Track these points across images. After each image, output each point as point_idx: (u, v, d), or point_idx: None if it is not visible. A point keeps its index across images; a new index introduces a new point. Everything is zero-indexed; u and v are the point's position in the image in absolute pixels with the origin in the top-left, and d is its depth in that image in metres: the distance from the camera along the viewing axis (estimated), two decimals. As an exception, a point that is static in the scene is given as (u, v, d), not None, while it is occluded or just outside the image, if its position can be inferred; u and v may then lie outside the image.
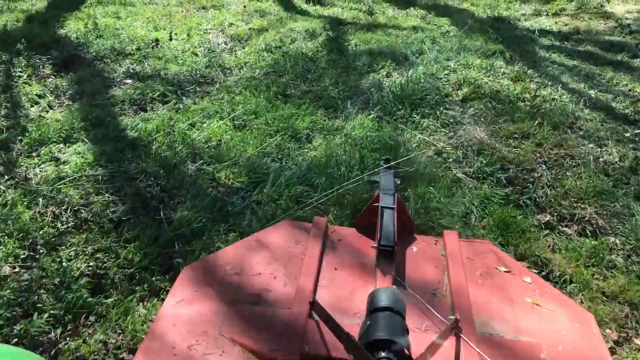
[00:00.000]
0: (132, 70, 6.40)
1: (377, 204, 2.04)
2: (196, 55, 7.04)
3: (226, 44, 7.49)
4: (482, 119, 5.40)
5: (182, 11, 9.06)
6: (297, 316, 1.59)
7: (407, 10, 9.42)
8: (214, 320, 1.63)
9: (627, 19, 8.77)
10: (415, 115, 5.38)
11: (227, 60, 6.85)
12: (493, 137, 5.08)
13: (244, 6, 9.35)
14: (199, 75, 6.34)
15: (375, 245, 1.89)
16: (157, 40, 7.40)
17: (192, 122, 5.14)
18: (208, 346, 1.55)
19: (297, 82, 6.21)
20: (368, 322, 1.50)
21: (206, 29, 8.07)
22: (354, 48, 7.28)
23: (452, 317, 1.63)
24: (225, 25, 8.27)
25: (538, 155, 4.81)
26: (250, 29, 8.13)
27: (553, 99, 5.87)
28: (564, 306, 1.76)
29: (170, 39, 7.52)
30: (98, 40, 7.22)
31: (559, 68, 6.76)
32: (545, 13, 9.31)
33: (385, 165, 2.63)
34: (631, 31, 8.14)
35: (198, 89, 6.07)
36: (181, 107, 5.59)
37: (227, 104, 5.52)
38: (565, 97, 5.96)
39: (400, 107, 5.48)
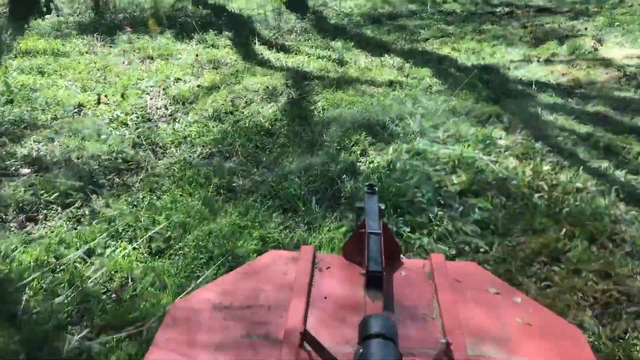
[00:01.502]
0: (35, 154, 4.68)
1: (363, 230, 1.79)
2: (126, 125, 5.35)
3: (166, 109, 5.80)
4: (491, 230, 3.78)
5: (123, 62, 7.35)
6: (289, 348, 1.45)
7: (382, 58, 7.84)
8: (204, 357, 1.48)
9: (629, 66, 7.30)
10: (403, 227, 3.74)
11: (163, 133, 5.16)
12: (509, 262, 3.46)
13: (196, 55, 7.68)
14: (121, 159, 4.65)
15: (364, 272, 1.69)
16: (80, 105, 5.69)
17: (91, 247, 3.43)
18: None
19: (247, 167, 4.55)
20: (361, 350, 1.36)
21: (146, 87, 6.39)
22: (321, 114, 5.64)
23: (443, 340, 1.47)
24: (171, 81, 6.59)
25: (580, 295, 3.20)
26: (199, 86, 6.46)
27: (577, 190, 4.28)
28: (554, 324, 1.66)
29: (98, 103, 5.82)
30: (5, 107, 5.48)
31: (571, 138, 5.20)
32: (536, 59, 7.80)
33: (369, 191, 2.09)
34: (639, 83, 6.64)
35: (117, 180, 4.38)
36: (86, 213, 3.88)
37: (146, 211, 3.82)
38: (590, 183, 4.39)
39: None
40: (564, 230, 3.79)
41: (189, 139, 5.08)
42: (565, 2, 11.70)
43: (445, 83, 6.74)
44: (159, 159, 4.73)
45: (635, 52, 7.92)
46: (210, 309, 1.64)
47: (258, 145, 4.92)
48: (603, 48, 8.16)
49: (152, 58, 7.56)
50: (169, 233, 3.60)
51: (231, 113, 5.64)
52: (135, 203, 3.97)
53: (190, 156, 4.74)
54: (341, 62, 7.63)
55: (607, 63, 7.47)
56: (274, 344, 1.51)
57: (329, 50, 8.31)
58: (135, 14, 9.66)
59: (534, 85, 6.58)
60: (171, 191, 4.10)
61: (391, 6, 11.18)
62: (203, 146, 4.91)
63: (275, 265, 1.85)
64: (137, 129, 5.29)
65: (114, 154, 4.66)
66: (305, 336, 1.47)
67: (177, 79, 6.70)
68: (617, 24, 9.31)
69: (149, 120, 5.51)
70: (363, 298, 1.69)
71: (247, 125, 5.27)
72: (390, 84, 6.61)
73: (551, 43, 8.42)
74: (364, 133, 5.10)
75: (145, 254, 3.41)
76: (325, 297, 1.70)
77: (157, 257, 3.41)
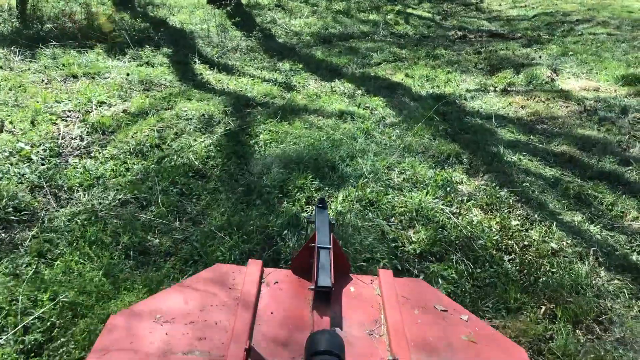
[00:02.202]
0: None
1: (312, 244, 1.75)
2: (29, 161, 4.40)
3: (82, 139, 4.87)
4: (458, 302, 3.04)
5: (42, 81, 6.35)
6: None
7: (332, 83, 7.10)
8: None
9: (587, 99, 6.79)
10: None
11: (72, 172, 4.24)
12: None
13: (127, 75, 6.75)
14: (12, 207, 3.71)
15: (312, 287, 1.64)
16: (-24, 134, 4.70)
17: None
18: None
19: (168, 220, 3.69)
20: None
21: (63, 112, 5.43)
22: (262, 150, 4.83)
23: (390, 357, 1.49)
24: (93, 105, 5.65)
25: (573, 408, 2.49)
26: (124, 111, 5.55)
27: (552, 252, 3.62)
28: (498, 342, 1.63)
29: (1, 131, 4.83)
30: None
31: (538, 183, 4.57)
32: (492, 89, 7.23)
33: (320, 205, 1.93)
34: (601, 119, 6.12)
35: (2, 235, 3.44)
36: (-50, 287, 2.94)
37: (28, 286, 2.91)
38: (565, 243, 3.74)
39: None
40: (543, 308, 3.10)
41: (102, 179, 4.17)
42: (517, 28, 11.31)
43: (399, 114, 6.05)
44: (62, 207, 3.81)
45: (591, 84, 7.45)
46: (150, 323, 1.52)
47: (184, 190, 4.06)
48: (559, 78, 7.67)
49: (76, 76, 6.58)
50: (53, 319, 2.71)
51: (157, 147, 4.76)
52: (16, 272, 3.05)
53: (100, 203, 3.84)
54: (288, 87, 6.85)
55: (565, 95, 6.95)
56: None
57: (275, 72, 7.51)
58: (66, 25, 8.62)
59: (493, 120, 5.95)
60: (66, 256, 3.19)
61: (342, 26, 10.50)
62: (117, 190, 4.02)
63: (220, 279, 1.74)
64: (42, 165, 4.36)
65: (4, 201, 3.71)
66: (250, 353, 1.42)
67: (101, 103, 5.76)
68: (570, 53, 8.89)
69: (59, 154, 4.57)
70: (311, 314, 1.62)
71: (173, 163, 4.40)
72: (341, 114, 5.86)
73: (507, 72, 7.88)
74: (310, 176, 4.32)
75: (14, 355, 2.51)
76: (272, 313, 1.62)
77: (30, 359, 2.51)
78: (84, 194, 3.97)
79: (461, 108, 6.51)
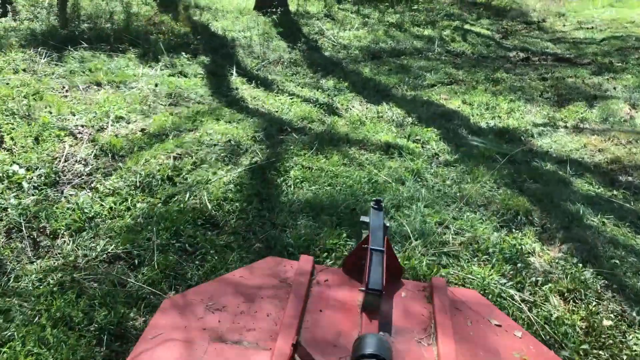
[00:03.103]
0: None
1: (365, 245, 1.68)
2: (18, 189, 3.66)
3: (85, 165, 4.11)
4: None
5: (62, 88, 5.66)
6: (279, 357, 1.37)
7: (379, 107, 6.18)
8: (193, 357, 1.39)
9: (675, 144, 5.67)
10: None
11: (63, 209, 3.47)
12: None
13: (156, 85, 5.99)
14: (-23, 256, 2.94)
15: (363, 289, 1.58)
16: (-32, 151, 3.99)
17: None
18: None
19: (159, 290, 2.86)
20: None
21: (74, 127, 4.70)
22: (290, 193, 3.96)
23: None
24: (109, 120, 4.91)
25: None
26: (142, 131, 4.78)
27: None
28: None
29: (-2, 148, 4.13)
30: None
31: (630, 260, 3.56)
32: (562, 124, 6.18)
33: (375, 206, 1.90)
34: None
35: (-46, 298, 2.67)
36: None
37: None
38: (676, 361, 2.72)
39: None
40: None
41: (95, 221, 3.38)
42: (585, 52, 10.13)
43: (455, 151, 5.09)
44: (39, 257, 3.03)
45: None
46: (203, 309, 1.52)
47: (188, 246, 3.22)
48: (639, 116, 6.54)
49: (99, 84, 5.87)
50: None
51: (169, 180, 3.95)
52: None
53: (84, 256, 3.04)
54: (330, 109, 5.97)
55: (649, 137, 5.84)
56: (264, 352, 1.41)
57: (318, 90, 6.65)
58: (105, 25, 7.97)
59: (568, 166, 4.92)
60: (16, 342, 2.38)
61: (394, 41, 9.55)
62: (110, 238, 3.22)
63: (272, 272, 1.69)
64: (33, 195, 3.60)
65: (-30, 246, 2.95)
66: (297, 348, 1.39)
67: (119, 118, 5.01)
68: (649, 85, 7.71)
69: (55, 183, 3.82)
70: (359, 315, 1.57)
71: (182, 205, 3.58)
72: (387, 148, 4.94)
73: (578, 104, 6.80)
74: (344, 234, 3.42)
75: None
76: (321, 310, 1.57)
77: None
78: (69, 241, 3.18)
79: (528, 146, 5.50)
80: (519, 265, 3.33)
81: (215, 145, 4.59)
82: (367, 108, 6.22)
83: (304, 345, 1.42)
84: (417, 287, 1.75)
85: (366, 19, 10.86)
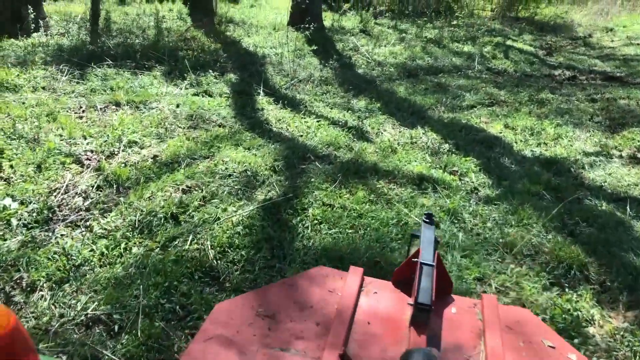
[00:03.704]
0: None
1: (416, 259, 1.63)
2: (7, 226, 3.23)
3: (85, 198, 3.66)
4: None
5: (79, 108, 5.27)
6: None
7: (413, 131, 5.58)
8: None
9: None
10: None
11: (47, 255, 3.01)
12: None
13: (177, 106, 5.55)
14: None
15: (412, 303, 1.54)
16: (-39, 181, 3.59)
17: None
18: None
19: (143, 362, 2.33)
20: None
21: (83, 153, 4.28)
22: (306, 238, 3.41)
23: None
24: (121, 145, 4.47)
25: None
26: (154, 158, 4.32)
27: None
28: None
29: (-6, 178, 3.71)
30: None
31: None
32: (617, 153, 5.44)
33: (427, 220, 1.83)
34: None
35: None
36: None
37: None
38: None
39: None
40: None
41: (81, 270, 2.90)
42: (637, 70, 9.27)
43: (497, 185, 4.45)
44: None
45: None
46: (253, 315, 1.53)
47: (178, 308, 2.69)
48: (703, 144, 5.74)
49: (118, 104, 5.46)
50: None
51: (173, 218, 3.46)
52: None
53: (62, 315, 2.55)
54: (359, 133, 5.41)
55: None
56: None
57: (348, 111, 6.09)
58: (135, 40, 7.63)
59: (628, 206, 4.21)
60: None
61: (432, 58, 8.92)
62: (95, 292, 2.73)
63: (322, 282, 1.68)
64: (20, 235, 3.15)
65: None
66: (344, 359, 1.38)
67: (132, 143, 4.57)
68: None
69: (48, 220, 3.37)
70: (408, 329, 1.54)
71: (182, 253, 3.06)
72: (420, 181, 4.34)
73: (634, 130, 6.03)
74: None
75: None
76: (369, 323, 1.55)
77: None
78: (48, 296, 2.70)
79: (578, 180, 4.80)
80: (575, 340, 2.67)
81: (229, 176, 4.08)
82: (400, 132, 5.63)
83: (351, 356, 1.39)
84: (467, 304, 1.68)
85: (403, 35, 10.26)
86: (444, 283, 1.68)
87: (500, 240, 3.60)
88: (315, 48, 8.36)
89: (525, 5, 13.99)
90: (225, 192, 3.84)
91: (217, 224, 3.38)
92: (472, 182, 4.53)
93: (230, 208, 3.64)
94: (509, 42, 10.81)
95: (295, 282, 1.67)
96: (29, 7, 7.43)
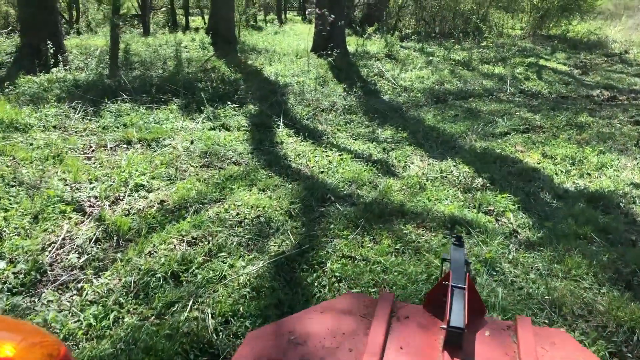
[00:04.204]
0: None
1: (447, 282, 1.61)
2: (-11, 292, 2.84)
3: (80, 255, 3.27)
4: None
5: (89, 148, 4.96)
6: None
7: (443, 163, 5.09)
8: None
9: None
10: None
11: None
12: None
13: (191, 142, 5.20)
14: None
15: (444, 327, 1.50)
16: (-52, 238, 3.25)
17: None
18: None
19: None
20: None
21: (85, 200, 3.92)
22: (322, 300, 2.93)
23: None
24: (127, 188, 4.11)
25: None
26: (161, 203, 3.94)
27: None
28: None
29: (-14, 232, 3.36)
30: None
31: None
32: (670, 185, 4.82)
33: (456, 243, 1.82)
34: None
35: None
36: None
37: None
38: None
39: None
40: None
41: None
42: (682, 88, 8.57)
43: (539, 227, 3.91)
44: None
45: None
46: (285, 343, 1.50)
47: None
48: None
49: (130, 143, 5.13)
50: None
51: (173, 277, 3.04)
52: None
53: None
54: (385, 167, 4.94)
55: None
56: None
57: (372, 142, 5.64)
58: (154, 72, 7.37)
59: (692, 252, 3.62)
60: None
61: (461, 81, 8.42)
62: (74, 377, 2.30)
63: (352, 309, 1.65)
64: (3, 301, 2.77)
65: None
66: None
67: (138, 186, 4.20)
68: None
69: (36, 281, 2.99)
70: (441, 354, 1.50)
71: (178, 324, 2.62)
72: (452, 224, 3.83)
73: (687, 157, 5.40)
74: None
75: None
76: (402, 348, 1.52)
77: None
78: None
79: (629, 217, 4.23)
80: None
81: (240, 223, 3.66)
82: (428, 164, 5.14)
83: None
84: (501, 326, 1.63)
85: (430, 58, 9.79)
86: (476, 305, 1.63)
87: (547, 297, 3.06)
88: (338, 74, 7.97)
89: (556, 22, 13.36)
90: (234, 244, 3.41)
91: (222, 285, 2.95)
92: (511, 223, 4.00)
93: (239, 263, 3.20)
94: (541, 62, 10.22)
95: (327, 309, 1.63)
96: (49, 41, 7.25)
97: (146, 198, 4.06)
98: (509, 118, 6.71)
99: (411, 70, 8.77)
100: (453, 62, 9.58)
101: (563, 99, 8.00)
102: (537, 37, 13.04)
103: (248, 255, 3.31)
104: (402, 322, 1.60)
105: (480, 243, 3.61)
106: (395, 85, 7.97)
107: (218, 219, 3.67)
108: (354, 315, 1.60)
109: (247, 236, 3.51)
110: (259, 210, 3.84)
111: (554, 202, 4.46)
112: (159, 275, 3.02)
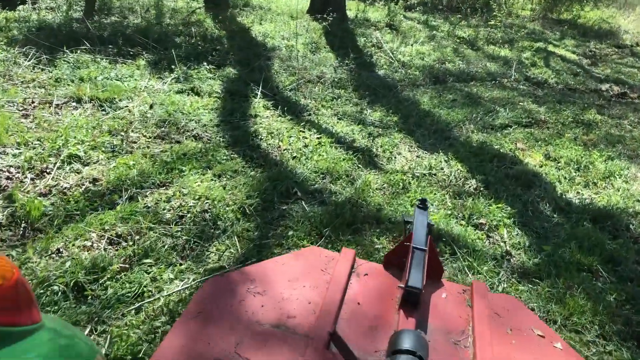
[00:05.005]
0: None
1: (408, 243, 1.60)
2: None
3: (-30, 246, 2.53)
4: None
5: (30, 103, 4.16)
6: (315, 345, 1.31)
7: (433, 157, 4.34)
8: (231, 337, 1.31)
9: None
10: None
11: None
12: None
13: (150, 107, 4.40)
14: None
15: (402, 286, 1.49)
16: None
17: None
18: None
19: None
20: None
21: (2, 170, 3.16)
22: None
23: None
24: (58, 159, 3.34)
25: None
26: (93, 182, 3.18)
27: None
28: None
29: None
30: None
31: None
32: (686, 206, 4.11)
33: (420, 205, 1.81)
34: None
35: None
36: None
37: None
38: None
39: None
40: None
41: None
42: (697, 90, 7.77)
43: (536, 250, 3.21)
44: None
45: None
46: (244, 292, 1.45)
47: None
48: None
49: (80, 101, 4.32)
50: None
51: (76, 292, 2.31)
52: None
53: None
54: (367, 157, 4.19)
55: None
56: (301, 338, 1.35)
57: (358, 125, 4.87)
58: (131, 22, 6.48)
59: None
60: None
61: (463, 61, 7.58)
62: None
63: (314, 262, 1.62)
64: None
65: None
66: (333, 337, 1.35)
67: (72, 157, 3.43)
68: None
69: None
70: (397, 312, 1.48)
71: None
72: (436, 239, 3.11)
73: None
74: None
75: None
76: (359, 303, 1.49)
77: None
78: None
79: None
80: None
81: (181, 218, 2.93)
82: (417, 157, 4.39)
83: (341, 335, 1.33)
84: (457, 289, 1.59)
85: (434, 32, 8.89)
86: (435, 268, 1.60)
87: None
88: (333, 41, 7.10)
89: (568, 7, 12.39)
90: (166, 247, 2.68)
91: (133, 310, 2.23)
92: (504, 242, 3.29)
93: (166, 274, 2.49)
94: (550, 48, 9.34)
95: (288, 261, 1.59)
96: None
97: (79, 173, 3.31)
98: (512, 108, 5.93)
99: (412, 45, 7.89)
100: (458, 40, 8.70)
101: (570, 90, 7.20)
102: (547, 20, 12.09)
103: (179, 264, 2.59)
104: (361, 278, 1.57)
105: (465, 268, 2.90)
106: (392, 59, 7.12)
107: (154, 211, 2.93)
108: (316, 269, 1.56)
109: (184, 237, 2.79)
110: (207, 203, 3.10)
111: (555, 216, 3.75)
112: (58, 287, 2.30)
